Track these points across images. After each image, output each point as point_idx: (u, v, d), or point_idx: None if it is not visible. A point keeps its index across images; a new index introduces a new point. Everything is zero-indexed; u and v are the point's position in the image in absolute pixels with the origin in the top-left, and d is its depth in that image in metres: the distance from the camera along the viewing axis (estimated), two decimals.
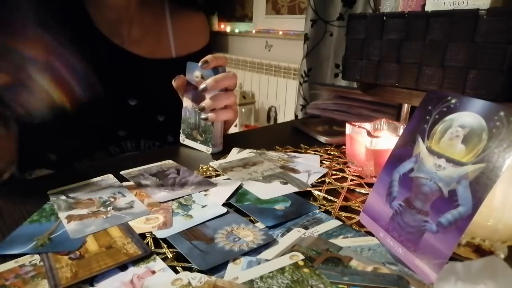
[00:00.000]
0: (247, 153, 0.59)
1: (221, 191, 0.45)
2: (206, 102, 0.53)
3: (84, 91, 0.56)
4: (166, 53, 0.70)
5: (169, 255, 0.32)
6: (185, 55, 0.71)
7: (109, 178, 0.48)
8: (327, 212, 0.41)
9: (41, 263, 0.31)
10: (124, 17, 0.64)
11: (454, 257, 0.32)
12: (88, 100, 0.60)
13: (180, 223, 0.37)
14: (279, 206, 0.42)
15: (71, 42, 0.59)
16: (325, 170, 0.53)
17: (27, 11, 0.56)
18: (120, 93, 0.54)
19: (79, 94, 0.58)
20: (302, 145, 0.65)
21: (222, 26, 2.71)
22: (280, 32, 2.22)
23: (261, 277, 0.29)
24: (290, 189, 0.46)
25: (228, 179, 0.49)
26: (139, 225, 0.37)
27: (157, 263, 0.31)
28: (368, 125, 0.53)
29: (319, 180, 0.50)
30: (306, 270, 0.30)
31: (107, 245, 0.33)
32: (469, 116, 0.30)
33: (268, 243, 0.34)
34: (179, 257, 0.32)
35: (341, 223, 0.38)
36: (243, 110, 2.34)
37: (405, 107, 0.65)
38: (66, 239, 0.34)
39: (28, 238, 0.34)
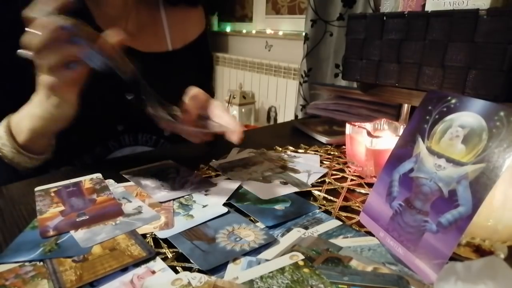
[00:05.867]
0: (247, 153, 0.59)
1: (222, 191, 0.45)
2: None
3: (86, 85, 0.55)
4: (162, 46, 0.70)
5: (169, 255, 0.32)
6: (181, 47, 0.71)
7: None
8: (327, 212, 0.41)
9: (41, 263, 0.31)
10: (122, 12, 0.65)
11: (454, 257, 0.32)
12: (89, 94, 0.60)
13: (181, 223, 0.37)
14: (279, 206, 0.42)
15: None
16: (325, 170, 0.53)
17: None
18: (117, 87, 0.54)
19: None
20: (302, 145, 0.65)
21: (222, 26, 2.71)
22: (280, 32, 2.22)
23: (261, 277, 0.29)
24: (290, 189, 0.46)
25: (228, 179, 0.49)
26: (142, 226, 0.37)
27: (157, 263, 0.31)
28: (368, 125, 0.53)
29: (319, 180, 0.50)
30: (306, 270, 0.30)
31: (111, 247, 0.33)
32: (469, 116, 0.30)
33: (269, 243, 0.34)
34: (179, 257, 0.32)
35: (341, 223, 0.38)
36: (243, 110, 2.34)
37: (405, 107, 0.65)
38: (74, 244, 0.33)
39: (34, 244, 0.33)
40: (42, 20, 0.40)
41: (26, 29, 0.41)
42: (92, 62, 0.42)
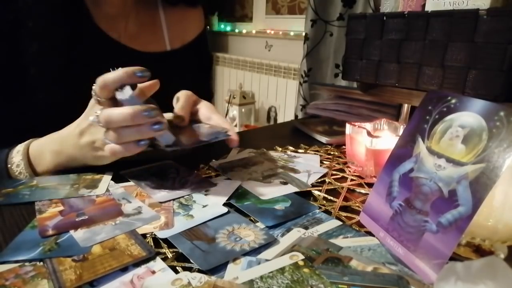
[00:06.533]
0: (247, 153, 0.59)
1: (221, 191, 0.45)
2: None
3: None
4: (161, 46, 0.70)
5: (169, 255, 0.32)
6: (180, 46, 0.71)
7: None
8: (327, 212, 0.41)
9: (41, 263, 0.31)
10: (122, 12, 0.65)
11: (454, 257, 0.32)
12: (89, 96, 0.60)
13: (181, 223, 0.37)
14: (279, 206, 0.42)
15: (69, 36, 0.59)
16: (325, 170, 0.53)
17: (29, 7, 0.56)
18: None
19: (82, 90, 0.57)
20: (302, 145, 0.65)
21: (222, 26, 2.71)
22: (280, 32, 2.21)
23: (261, 277, 0.29)
24: (290, 189, 0.46)
25: (228, 179, 0.49)
26: (141, 226, 0.37)
27: (157, 263, 0.31)
28: (368, 125, 0.53)
29: (319, 180, 0.50)
30: (306, 270, 0.30)
31: (111, 246, 0.33)
32: (469, 116, 0.30)
33: (269, 243, 0.34)
34: (179, 257, 0.32)
35: (341, 223, 0.38)
36: (243, 110, 2.34)
37: (405, 107, 0.65)
38: (74, 243, 0.33)
39: (34, 243, 0.33)
40: (129, 105, 0.41)
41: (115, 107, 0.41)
42: (165, 142, 0.44)
